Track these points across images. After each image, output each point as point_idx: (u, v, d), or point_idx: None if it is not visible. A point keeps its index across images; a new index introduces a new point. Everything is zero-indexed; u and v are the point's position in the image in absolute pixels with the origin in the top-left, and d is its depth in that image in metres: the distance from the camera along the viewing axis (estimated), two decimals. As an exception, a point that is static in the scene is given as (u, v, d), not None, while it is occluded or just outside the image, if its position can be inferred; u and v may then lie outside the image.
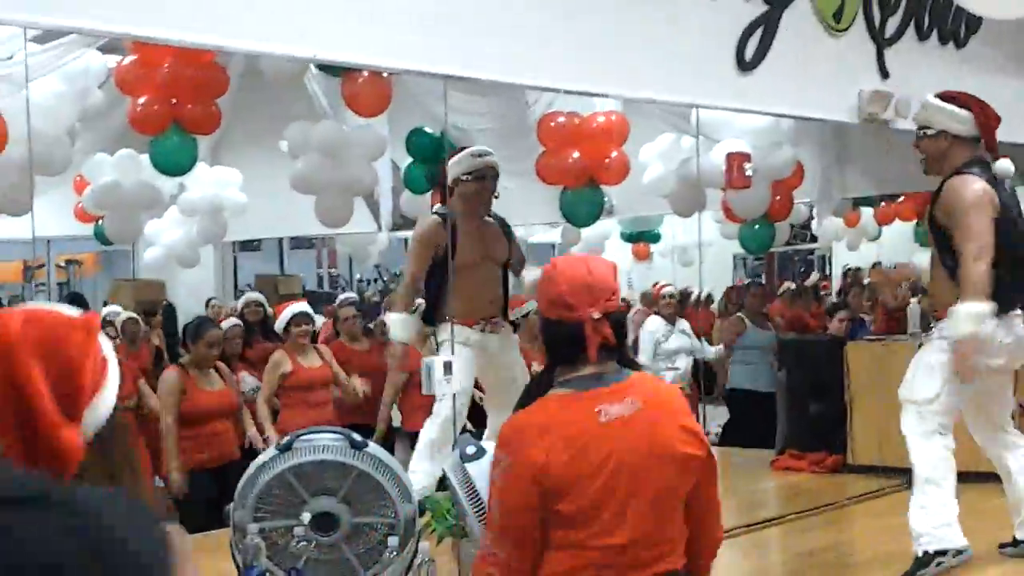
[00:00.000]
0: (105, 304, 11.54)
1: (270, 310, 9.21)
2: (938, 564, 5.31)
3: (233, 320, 8.65)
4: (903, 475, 7.65)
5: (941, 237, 5.45)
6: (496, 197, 6.35)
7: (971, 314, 5.25)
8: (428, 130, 9.34)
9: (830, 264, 17.32)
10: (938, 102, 5.53)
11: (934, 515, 5.41)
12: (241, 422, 7.55)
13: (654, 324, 10.15)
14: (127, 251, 13.70)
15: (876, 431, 7.86)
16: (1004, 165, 5.50)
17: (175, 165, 8.48)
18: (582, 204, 8.93)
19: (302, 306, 8.11)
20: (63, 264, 19.42)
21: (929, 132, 5.52)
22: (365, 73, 7.59)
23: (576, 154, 8.77)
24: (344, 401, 8.01)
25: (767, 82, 6.17)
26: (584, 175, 8.80)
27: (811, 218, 13.36)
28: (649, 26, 5.70)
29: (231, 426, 7.41)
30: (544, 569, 2.86)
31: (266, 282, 14.28)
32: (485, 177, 6.21)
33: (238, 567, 4.57)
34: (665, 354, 9.98)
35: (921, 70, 6.99)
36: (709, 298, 13.79)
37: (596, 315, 2.84)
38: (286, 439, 4.61)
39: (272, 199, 11.38)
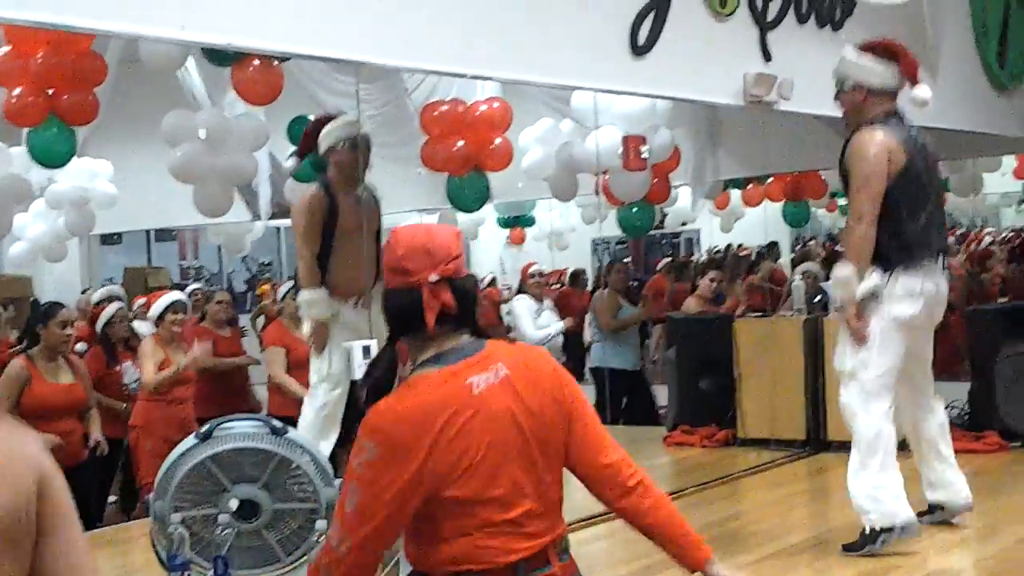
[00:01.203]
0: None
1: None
2: (883, 541, 5.33)
3: (118, 304, 8.47)
4: (792, 447, 7.95)
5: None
6: (369, 168, 6.34)
7: (840, 279, 5.37)
8: (311, 118, 9.27)
9: (698, 246, 17.68)
10: (853, 55, 5.60)
11: (880, 492, 5.36)
12: (87, 421, 7.23)
13: (524, 303, 10.27)
14: (-11, 246, 13.32)
15: (765, 405, 8.10)
16: (920, 93, 5.59)
17: (54, 156, 8.28)
18: (469, 191, 8.99)
19: (177, 295, 8.04)
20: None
21: (845, 85, 5.60)
22: (256, 61, 7.51)
23: (461, 142, 8.82)
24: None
25: (659, 66, 6.26)
26: (469, 162, 8.86)
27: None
28: (544, 10, 5.76)
29: (79, 425, 7.13)
30: (442, 559, 2.71)
31: (135, 275, 14.06)
32: (358, 145, 6.21)
33: (160, 558, 4.53)
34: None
35: (801, 52, 7.17)
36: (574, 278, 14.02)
37: (434, 278, 2.71)
38: (205, 427, 4.58)
39: (141, 190, 11.21)
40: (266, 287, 13.32)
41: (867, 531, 5.37)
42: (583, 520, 5.75)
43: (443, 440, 2.64)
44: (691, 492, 7.07)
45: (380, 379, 2.79)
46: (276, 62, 7.51)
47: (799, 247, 16.79)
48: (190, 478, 4.49)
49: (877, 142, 5.37)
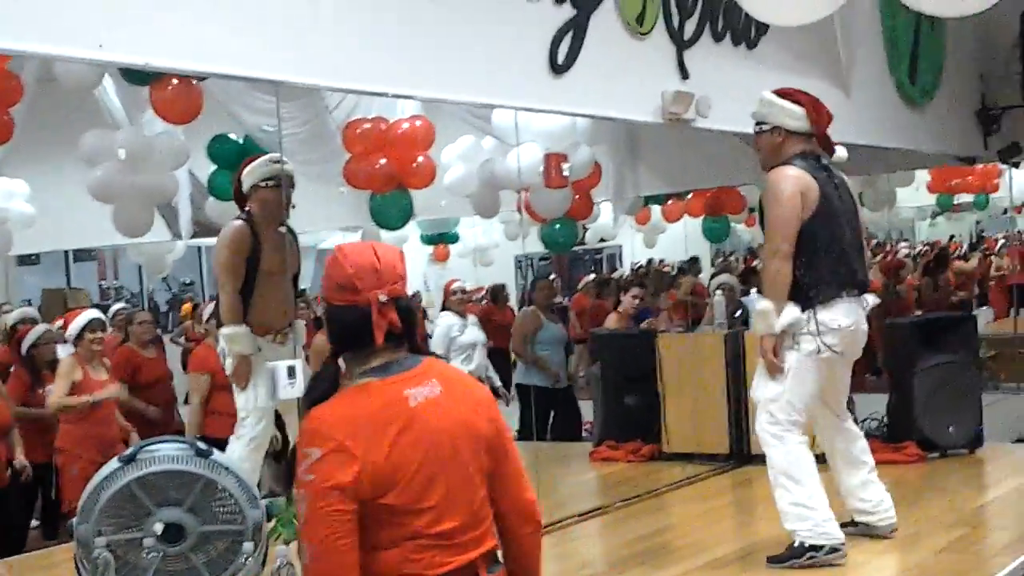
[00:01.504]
0: None
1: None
2: (810, 557, 5.36)
3: (45, 326, 8.36)
4: (716, 460, 8.03)
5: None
6: (293, 207, 6.36)
7: (760, 312, 5.44)
8: (232, 136, 9.24)
9: (620, 261, 17.82)
10: (773, 97, 5.64)
11: (810, 511, 5.39)
12: (9, 443, 7.13)
13: (447, 320, 10.29)
14: (-97, 269, 13.09)
15: (689, 419, 8.17)
16: (839, 153, 5.66)
17: (-31, 178, 8.18)
18: (392, 208, 9.00)
19: (94, 312, 7.96)
20: None
21: (764, 127, 5.64)
22: (175, 80, 7.45)
23: (383, 160, 8.82)
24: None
25: (578, 84, 6.33)
26: (392, 180, 8.86)
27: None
28: (464, 30, 5.79)
29: (2, 447, 7.02)
30: (375, 569, 2.77)
31: (54, 296, 13.89)
32: (281, 184, 6.22)
33: (84, 585, 4.47)
34: (460, 348, 10.14)
35: (718, 70, 7.29)
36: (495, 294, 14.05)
37: (383, 298, 2.82)
38: (130, 450, 4.55)
39: (59, 210, 11.06)
40: (189, 306, 13.24)
41: (796, 544, 5.42)
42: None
43: (379, 447, 2.72)
44: (618, 507, 7.09)
45: (323, 393, 2.86)
46: (195, 81, 7.46)
47: (720, 261, 17.00)
48: (114, 501, 4.44)
49: (791, 180, 5.41)
